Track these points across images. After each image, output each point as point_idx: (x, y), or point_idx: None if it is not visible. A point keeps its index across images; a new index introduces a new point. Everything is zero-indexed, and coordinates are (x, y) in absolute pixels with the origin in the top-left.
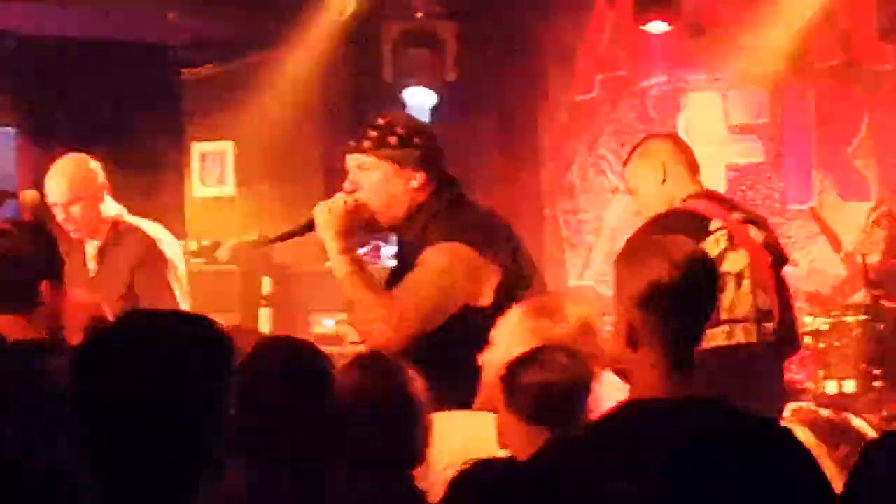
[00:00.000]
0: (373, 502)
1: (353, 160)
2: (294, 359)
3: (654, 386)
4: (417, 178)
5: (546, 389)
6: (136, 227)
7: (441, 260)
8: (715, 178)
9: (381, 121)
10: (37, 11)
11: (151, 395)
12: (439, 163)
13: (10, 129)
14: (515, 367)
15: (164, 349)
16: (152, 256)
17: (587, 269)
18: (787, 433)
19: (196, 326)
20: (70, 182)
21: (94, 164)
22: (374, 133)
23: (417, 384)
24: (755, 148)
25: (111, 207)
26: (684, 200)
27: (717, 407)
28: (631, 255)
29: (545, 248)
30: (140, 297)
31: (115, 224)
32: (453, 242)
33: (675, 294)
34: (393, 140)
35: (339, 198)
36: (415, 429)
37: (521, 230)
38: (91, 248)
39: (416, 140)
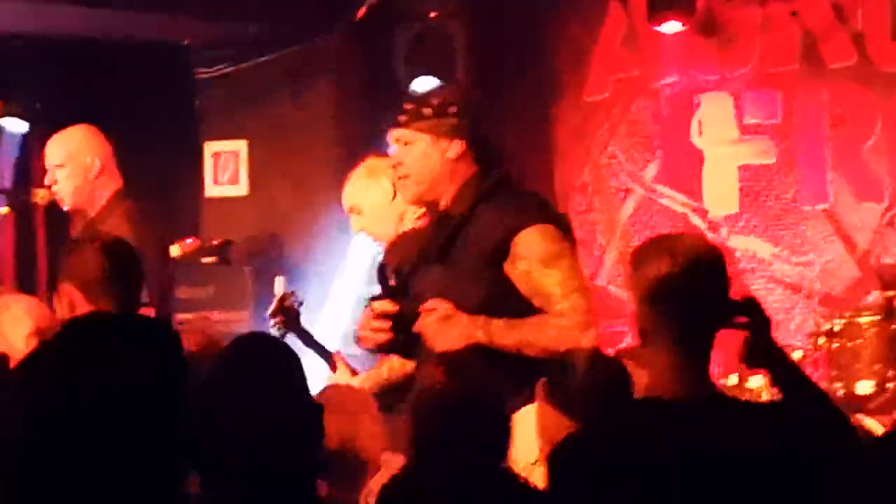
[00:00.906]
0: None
1: (392, 136)
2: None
3: (664, 381)
4: (455, 148)
5: None
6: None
7: (553, 247)
8: (728, 179)
9: (418, 94)
10: (49, 10)
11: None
12: (478, 131)
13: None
14: None
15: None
16: None
17: (600, 270)
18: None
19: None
20: (61, 146)
21: (92, 136)
22: (410, 106)
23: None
24: (768, 148)
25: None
26: (418, 219)
27: (723, 402)
28: (637, 253)
29: None
30: None
31: (109, 205)
32: (545, 225)
33: (678, 289)
34: (427, 111)
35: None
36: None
37: None
38: (77, 226)
39: (450, 109)
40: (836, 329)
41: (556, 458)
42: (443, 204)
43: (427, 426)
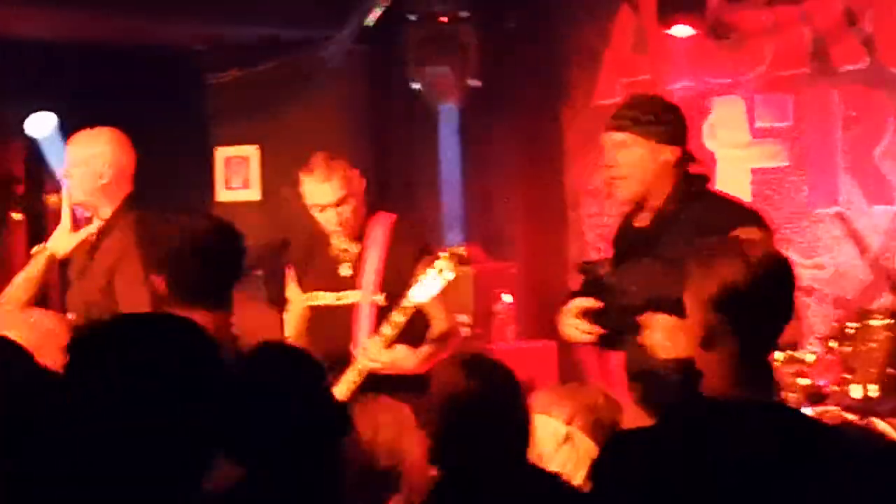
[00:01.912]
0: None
1: (609, 138)
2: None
3: (724, 386)
4: (671, 153)
5: None
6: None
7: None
8: (740, 182)
9: (636, 100)
10: (59, 17)
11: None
12: (687, 140)
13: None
14: None
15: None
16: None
17: None
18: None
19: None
20: (81, 147)
21: (114, 143)
22: (630, 111)
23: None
24: (780, 151)
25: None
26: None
27: (779, 411)
28: (705, 254)
29: (569, 252)
30: (118, 294)
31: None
32: (755, 226)
33: (750, 294)
34: (649, 117)
35: None
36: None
37: (544, 234)
38: (95, 226)
39: (669, 116)
40: (848, 332)
41: (607, 455)
42: (654, 203)
43: (451, 427)
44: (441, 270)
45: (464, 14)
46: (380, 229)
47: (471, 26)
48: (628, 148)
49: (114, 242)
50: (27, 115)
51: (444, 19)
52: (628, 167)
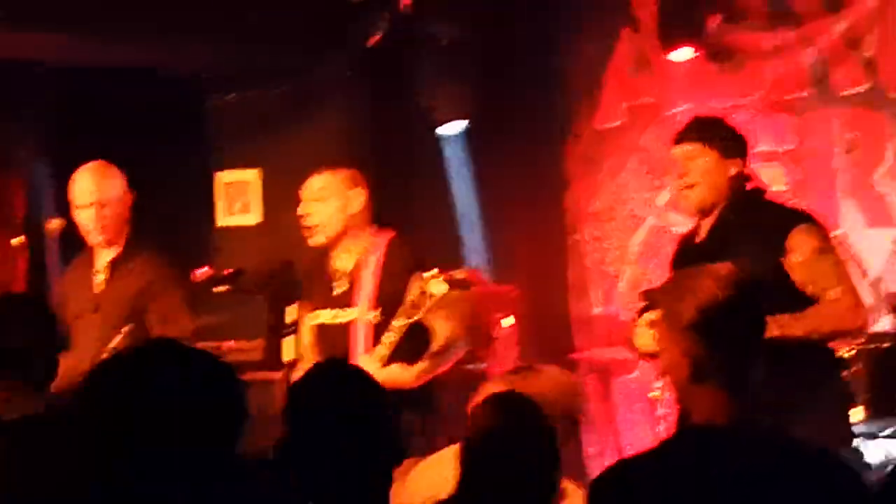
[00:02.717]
0: None
1: (680, 150)
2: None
3: (715, 411)
4: (736, 165)
5: None
6: (148, 251)
7: (822, 242)
8: None
9: (700, 118)
10: (61, 41)
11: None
12: (747, 157)
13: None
14: None
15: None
16: (164, 281)
17: (612, 297)
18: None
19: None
20: (99, 183)
21: (117, 173)
22: (696, 126)
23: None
24: (780, 175)
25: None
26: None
27: (773, 435)
28: (675, 284)
29: (570, 275)
30: (155, 322)
31: (131, 240)
32: (812, 224)
33: (730, 311)
34: (714, 132)
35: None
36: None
37: (545, 257)
38: (104, 259)
39: (730, 133)
40: (847, 356)
41: (601, 485)
42: (717, 211)
43: (482, 466)
44: (428, 287)
45: (465, 38)
46: (377, 246)
47: (472, 51)
48: (697, 158)
49: (134, 272)
50: (28, 140)
51: (445, 43)
52: (699, 175)
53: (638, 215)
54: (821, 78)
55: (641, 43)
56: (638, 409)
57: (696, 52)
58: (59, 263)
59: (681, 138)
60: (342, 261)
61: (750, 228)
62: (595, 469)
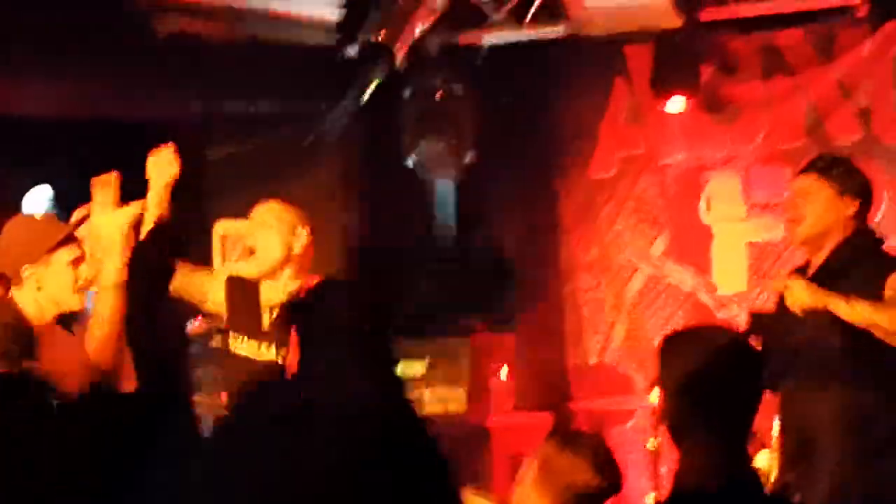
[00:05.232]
0: None
1: (796, 182)
2: None
3: (697, 476)
4: (852, 205)
5: None
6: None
7: None
8: (736, 256)
9: (825, 155)
10: (56, 92)
11: None
12: (870, 199)
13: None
14: None
15: None
16: None
17: (607, 348)
18: None
19: None
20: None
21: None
22: (819, 161)
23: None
24: (776, 225)
25: None
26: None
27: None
28: (667, 345)
29: (566, 324)
30: None
31: None
32: None
33: (714, 382)
34: (840, 168)
35: None
36: None
37: (540, 307)
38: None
39: (852, 171)
40: None
41: None
42: (826, 250)
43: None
44: None
45: (459, 90)
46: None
47: (466, 102)
48: (812, 192)
49: None
50: (25, 189)
51: (441, 94)
52: (808, 208)
53: (633, 265)
54: (815, 127)
55: (635, 93)
56: (634, 460)
57: (689, 102)
58: None
59: (802, 171)
60: (272, 296)
61: (855, 271)
62: None
